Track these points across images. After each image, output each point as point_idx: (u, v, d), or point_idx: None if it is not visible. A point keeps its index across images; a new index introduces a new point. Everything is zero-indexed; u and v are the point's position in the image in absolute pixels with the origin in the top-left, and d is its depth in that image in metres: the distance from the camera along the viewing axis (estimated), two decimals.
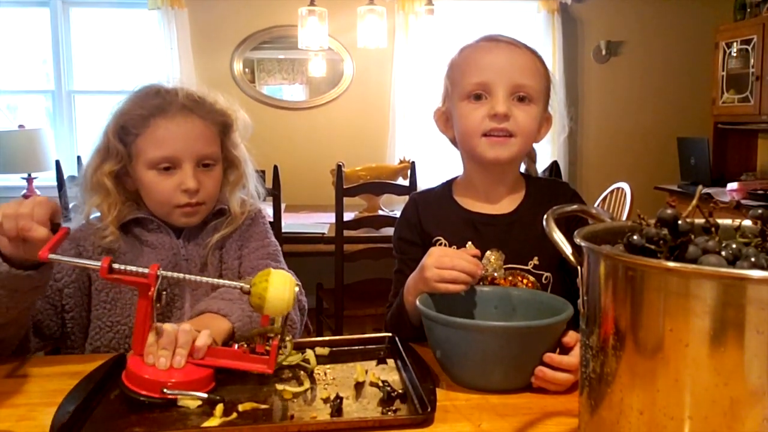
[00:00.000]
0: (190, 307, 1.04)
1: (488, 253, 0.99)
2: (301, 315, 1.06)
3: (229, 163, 1.11)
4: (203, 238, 1.08)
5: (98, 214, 1.05)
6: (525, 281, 0.99)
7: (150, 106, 1.01)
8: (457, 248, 1.00)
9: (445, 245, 1.01)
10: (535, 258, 0.99)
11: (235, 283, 0.83)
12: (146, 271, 0.78)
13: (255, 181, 1.15)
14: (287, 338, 0.84)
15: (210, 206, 1.07)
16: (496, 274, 0.99)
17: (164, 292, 0.80)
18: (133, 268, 0.79)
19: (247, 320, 0.92)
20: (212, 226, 1.08)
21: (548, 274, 0.99)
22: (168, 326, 0.80)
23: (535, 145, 1.08)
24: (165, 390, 0.75)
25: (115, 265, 0.79)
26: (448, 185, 1.09)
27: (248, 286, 0.80)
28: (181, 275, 0.82)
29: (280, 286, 0.79)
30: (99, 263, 0.78)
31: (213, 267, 1.08)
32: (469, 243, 1.00)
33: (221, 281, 0.84)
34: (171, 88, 1.04)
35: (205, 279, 0.84)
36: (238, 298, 0.94)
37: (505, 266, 0.99)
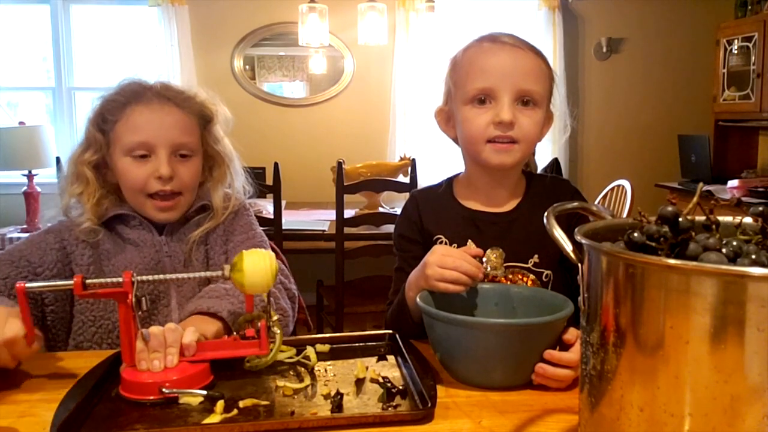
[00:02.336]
0: (177, 303, 1.05)
1: (488, 251, 0.99)
2: (291, 303, 1.06)
3: (212, 159, 1.12)
4: (185, 233, 1.08)
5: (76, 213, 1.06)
6: (525, 279, 0.99)
7: (127, 93, 1.03)
8: (458, 246, 1.00)
9: (445, 243, 1.01)
10: (536, 256, 0.99)
11: (212, 273, 0.83)
12: (120, 279, 0.78)
13: (242, 179, 1.15)
14: (274, 318, 0.84)
15: (187, 199, 1.07)
16: (496, 273, 0.99)
17: (144, 297, 0.80)
18: (107, 279, 0.79)
19: (240, 312, 0.92)
20: (194, 221, 1.08)
21: (548, 271, 0.99)
22: (154, 329, 0.80)
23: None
24: (164, 390, 0.75)
25: (89, 281, 0.78)
26: (449, 183, 1.09)
27: (228, 266, 0.81)
28: (159, 276, 0.82)
29: (258, 261, 0.80)
30: (71, 282, 0.78)
31: (198, 263, 1.08)
32: (470, 241, 1.00)
33: (200, 274, 0.85)
34: (150, 81, 1.07)
35: (183, 275, 0.84)
36: (226, 294, 0.94)
37: (505, 264, 0.99)
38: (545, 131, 1.02)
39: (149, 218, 1.06)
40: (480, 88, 0.95)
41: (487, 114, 0.95)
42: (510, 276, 0.99)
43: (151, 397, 0.75)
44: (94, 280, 0.79)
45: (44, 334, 1.03)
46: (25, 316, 0.79)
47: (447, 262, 0.86)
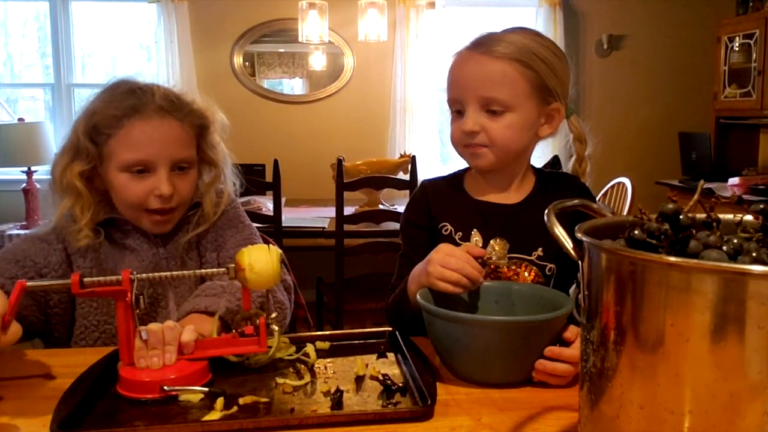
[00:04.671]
0: (175, 305, 1.04)
1: (492, 241, 1.00)
2: (288, 294, 1.06)
3: (206, 164, 1.09)
4: (179, 235, 1.06)
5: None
6: (528, 270, 0.99)
7: (124, 107, 0.97)
8: (463, 235, 1.01)
9: (451, 232, 1.02)
10: (540, 249, 1.00)
11: (213, 270, 0.83)
12: (119, 278, 0.78)
13: (233, 177, 1.14)
14: (272, 315, 0.84)
15: (182, 212, 1.05)
16: (499, 263, 0.99)
17: (141, 296, 0.80)
18: (106, 278, 0.78)
19: (236, 309, 0.91)
20: (186, 220, 1.07)
21: (552, 265, 1.00)
22: (153, 326, 0.79)
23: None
24: (165, 388, 0.75)
25: (87, 279, 0.78)
26: (460, 174, 1.10)
27: (232, 265, 0.80)
28: (158, 274, 0.81)
29: (261, 258, 0.80)
30: (69, 280, 0.77)
31: (193, 262, 1.07)
32: (475, 231, 1.01)
33: (200, 272, 0.84)
34: (146, 86, 1.00)
35: (182, 272, 0.83)
36: (223, 292, 0.93)
37: (508, 255, 1.00)
38: (554, 125, 1.02)
39: (143, 229, 1.04)
40: (451, 99, 1.01)
41: (459, 123, 0.99)
42: (513, 267, 1.00)
43: (151, 396, 0.75)
44: (92, 279, 0.78)
45: (47, 335, 1.02)
46: (11, 305, 0.76)
47: (450, 262, 0.86)
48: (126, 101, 0.97)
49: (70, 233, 1.00)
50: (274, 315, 0.84)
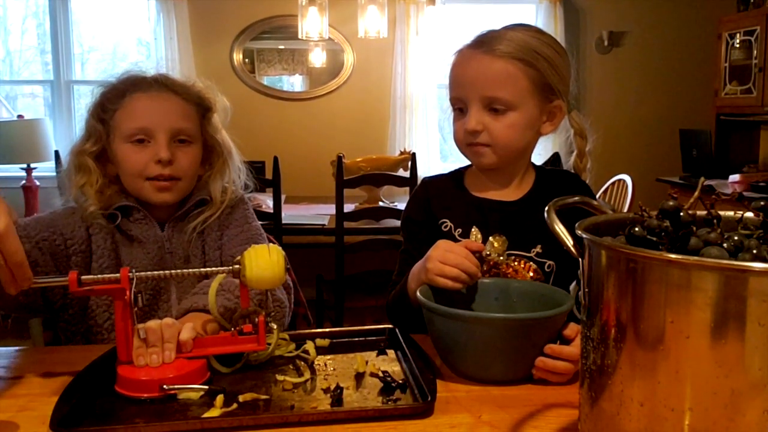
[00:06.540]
0: (177, 299, 1.04)
1: (491, 238, 1.00)
2: (288, 293, 1.07)
3: (211, 149, 1.12)
4: (185, 228, 1.08)
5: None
6: (527, 267, 1.00)
7: (127, 82, 1.05)
8: (462, 231, 1.02)
9: (450, 228, 1.03)
10: (539, 246, 1.00)
11: (215, 269, 0.83)
12: (117, 276, 0.77)
13: (244, 174, 1.16)
14: (272, 312, 0.84)
15: (185, 185, 1.07)
16: (498, 259, 0.99)
17: (140, 294, 0.80)
18: (104, 276, 0.78)
19: (235, 306, 0.92)
20: (194, 215, 1.09)
21: (551, 262, 1.00)
22: (151, 323, 0.79)
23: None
24: (164, 387, 0.75)
25: (84, 277, 0.77)
26: (461, 171, 1.11)
27: (237, 266, 0.80)
28: (158, 273, 0.81)
29: (264, 259, 0.80)
30: (66, 278, 0.76)
31: (197, 259, 1.08)
32: (475, 228, 1.01)
33: (203, 270, 0.84)
34: (150, 71, 1.09)
35: (184, 272, 0.83)
36: (221, 290, 0.93)
37: (507, 252, 1.00)
38: (555, 122, 1.03)
39: (148, 201, 1.05)
40: (453, 98, 1.01)
41: (462, 122, 0.99)
42: (512, 264, 1.00)
43: (150, 395, 0.75)
44: (90, 277, 0.78)
45: (64, 310, 1.04)
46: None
47: (449, 258, 0.87)
48: (128, 78, 1.06)
49: (78, 210, 1.04)
50: (272, 312, 0.84)
